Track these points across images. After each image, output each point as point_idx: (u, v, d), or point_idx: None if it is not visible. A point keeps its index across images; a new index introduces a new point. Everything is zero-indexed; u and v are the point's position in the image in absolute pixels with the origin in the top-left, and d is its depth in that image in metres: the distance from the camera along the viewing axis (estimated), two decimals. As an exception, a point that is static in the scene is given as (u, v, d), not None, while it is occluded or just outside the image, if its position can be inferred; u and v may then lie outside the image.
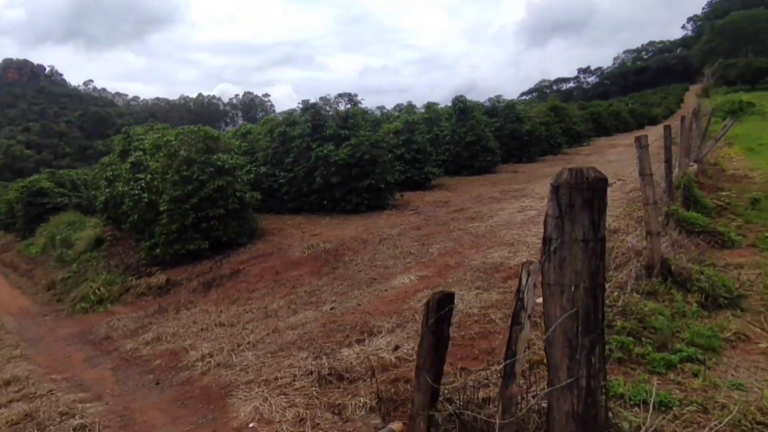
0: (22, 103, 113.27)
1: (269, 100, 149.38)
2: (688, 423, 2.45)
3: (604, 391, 2.30)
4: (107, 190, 13.85)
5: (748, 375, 2.99)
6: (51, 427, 3.84)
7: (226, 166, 10.82)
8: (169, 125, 17.07)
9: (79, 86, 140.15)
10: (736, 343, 3.42)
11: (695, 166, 9.13)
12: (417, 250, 7.75)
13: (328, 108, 16.05)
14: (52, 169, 28.97)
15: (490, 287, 5.12)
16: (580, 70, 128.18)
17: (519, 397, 2.44)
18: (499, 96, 24.39)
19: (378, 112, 31.03)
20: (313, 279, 7.65)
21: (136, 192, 11.27)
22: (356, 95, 18.31)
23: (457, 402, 2.61)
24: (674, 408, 2.58)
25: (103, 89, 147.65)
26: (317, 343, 4.62)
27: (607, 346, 3.07)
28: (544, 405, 2.42)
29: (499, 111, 22.90)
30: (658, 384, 2.80)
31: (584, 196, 2.21)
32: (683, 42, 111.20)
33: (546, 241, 2.30)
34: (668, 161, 6.30)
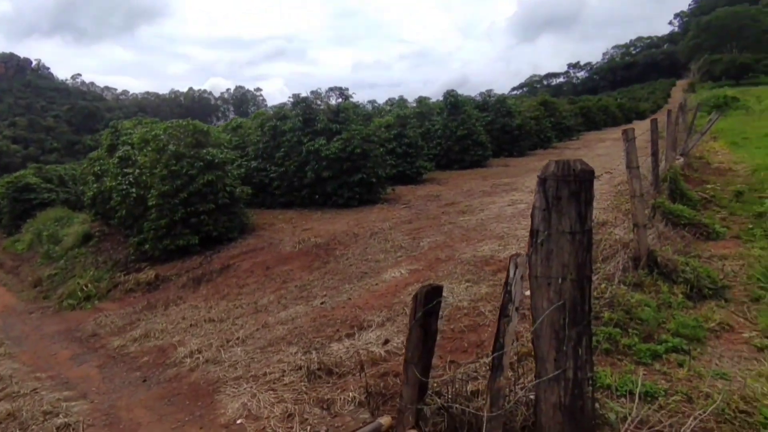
0: (8, 98, 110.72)
1: (261, 95, 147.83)
2: (673, 412, 2.48)
3: (591, 382, 2.32)
4: (95, 185, 13.64)
5: (732, 364, 3.04)
6: (34, 426, 3.76)
7: (216, 161, 10.70)
8: (159, 120, 16.81)
9: (66, 80, 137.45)
10: (720, 333, 3.47)
11: (681, 159, 9.25)
12: (408, 243, 7.75)
13: (319, 102, 15.91)
14: (39, 164, 28.42)
15: (480, 280, 5.14)
16: (569, 65, 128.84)
17: (507, 389, 2.44)
18: (490, 90, 24.43)
19: (369, 107, 30.88)
20: (303, 274, 7.62)
21: (124, 187, 11.11)
22: (347, 89, 18.18)
23: (446, 395, 2.61)
24: (660, 398, 2.61)
25: (92, 83, 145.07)
26: (307, 338, 4.60)
27: (594, 338, 3.09)
28: (531, 397, 2.43)
29: (490, 105, 22.92)
30: (644, 374, 2.83)
31: (571, 188, 2.20)
32: (670, 38, 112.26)
33: (533, 233, 2.30)
34: (655, 154, 6.36)
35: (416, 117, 19.68)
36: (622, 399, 2.62)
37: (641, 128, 6.54)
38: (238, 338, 5.20)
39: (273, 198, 13.65)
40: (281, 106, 16.14)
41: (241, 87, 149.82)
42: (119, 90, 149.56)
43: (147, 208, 10.41)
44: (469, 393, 2.73)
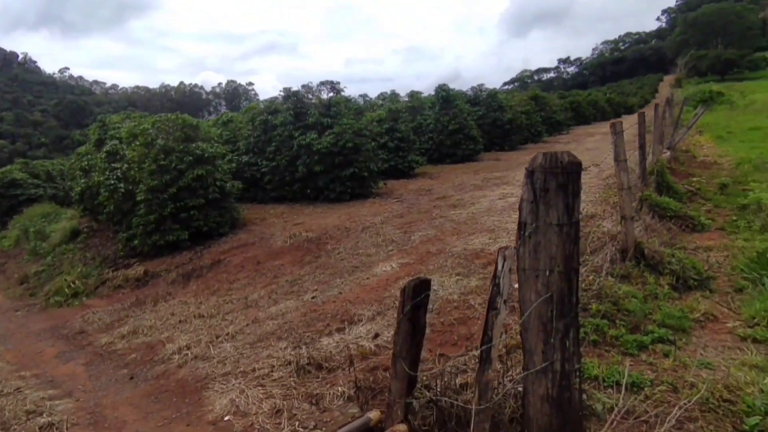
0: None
1: (253, 89, 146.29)
2: (659, 402, 2.51)
3: (578, 374, 2.33)
4: (83, 180, 13.41)
5: (716, 354, 3.08)
6: (16, 426, 3.68)
7: (206, 155, 10.58)
8: (149, 114, 16.56)
9: (54, 74, 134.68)
10: (704, 323, 3.52)
11: (668, 153, 9.35)
12: (399, 237, 7.75)
13: (310, 96, 15.74)
14: (26, 159, 27.90)
15: (471, 273, 5.15)
16: (560, 61, 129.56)
17: (496, 382, 2.45)
18: (482, 85, 24.42)
19: (361, 101, 30.71)
20: (294, 268, 7.58)
21: (112, 182, 10.93)
22: (339, 83, 18.02)
23: (435, 388, 2.61)
24: (646, 388, 2.64)
25: (80, 77, 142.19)
26: (297, 333, 4.58)
27: (582, 329, 3.11)
28: (520, 389, 2.43)
29: (482, 100, 22.93)
30: (631, 365, 2.86)
31: (559, 180, 2.20)
32: (658, 34, 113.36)
33: (521, 225, 2.30)
34: (642, 147, 6.41)
35: (408, 111, 19.61)
36: (609, 390, 2.64)
37: (629, 122, 6.59)
38: (227, 334, 5.17)
39: (264, 193, 13.55)
40: (272, 100, 15.93)
41: (233, 81, 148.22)
42: (108, 84, 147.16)
43: (136, 203, 10.26)
44: (458, 386, 2.73)
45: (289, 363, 3.77)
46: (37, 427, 3.63)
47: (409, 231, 8.05)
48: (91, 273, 10.64)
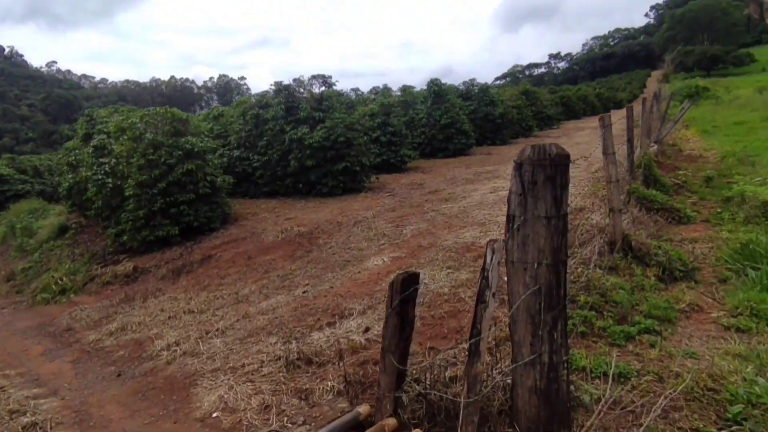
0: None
1: (245, 84, 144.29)
2: (645, 392, 2.54)
3: (566, 365, 2.34)
4: (71, 175, 13.16)
5: (701, 344, 3.13)
6: (-1, 426, 3.63)
7: (196, 150, 10.44)
8: (139, 108, 16.29)
9: (41, 68, 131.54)
10: (690, 314, 3.57)
11: (655, 146, 9.45)
12: (391, 231, 7.74)
13: (302, 90, 15.59)
14: (13, 155, 27.40)
15: (461, 266, 5.16)
16: (551, 56, 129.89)
17: (485, 374, 2.45)
18: (474, 80, 24.42)
19: (353, 95, 30.53)
20: (286, 263, 7.54)
21: (100, 177, 10.76)
22: (330, 77, 17.85)
23: (425, 382, 2.61)
24: (632, 378, 2.67)
25: (68, 71, 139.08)
26: (287, 328, 4.56)
27: (570, 321, 3.13)
28: (508, 381, 2.44)
29: (473, 94, 22.94)
30: (618, 356, 2.89)
31: (547, 172, 2.19)
32: (646, 29, 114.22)
33: (510, 218, 2.29)
34: (630, 141, 6.46)
35: (400, 105, 19.54)
36: (597, 381, 2.67)
37: (618, 116, 6.63)
38: (217, 329, 5.13)
39: (256, 187, 13.44)
40: (263, 94, 15.76)
41: (225, 75, 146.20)
42: (97, 78, 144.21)
43: (124, 198, 10.11)
44: (447, 379, 2.74)
45: (279, 358, 3.75)
46: (20, 427, 3.56)
47: (400, 225, 8.04)
48: (79, 269, 10.49)
